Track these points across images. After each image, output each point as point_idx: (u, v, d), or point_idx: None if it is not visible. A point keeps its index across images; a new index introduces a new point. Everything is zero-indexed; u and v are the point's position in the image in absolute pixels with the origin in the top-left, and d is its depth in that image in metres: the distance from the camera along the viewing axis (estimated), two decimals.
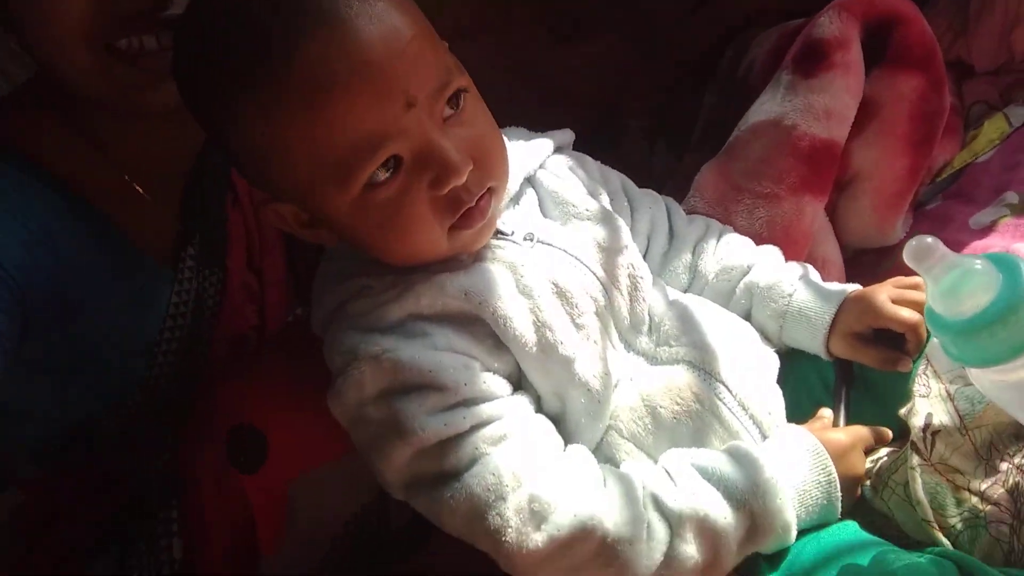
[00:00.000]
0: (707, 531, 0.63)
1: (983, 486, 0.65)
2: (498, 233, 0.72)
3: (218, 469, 0.74)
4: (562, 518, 0.61)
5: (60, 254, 0.71)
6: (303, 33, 0.56)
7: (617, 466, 0.69)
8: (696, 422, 0.71)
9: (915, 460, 0.68)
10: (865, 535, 0.68)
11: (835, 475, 0.68)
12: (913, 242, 0.54)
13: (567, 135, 0.85)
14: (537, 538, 0.61)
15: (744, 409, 0.73)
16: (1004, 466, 0.65)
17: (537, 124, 0.85)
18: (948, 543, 0.66)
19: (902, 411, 0.72)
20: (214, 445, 0.74)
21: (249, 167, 0.65)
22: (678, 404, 0.72)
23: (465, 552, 0.84)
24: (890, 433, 0.76)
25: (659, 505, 0.64)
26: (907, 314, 0.76)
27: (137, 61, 0.67)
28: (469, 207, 0.63)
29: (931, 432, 0.68)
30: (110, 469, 0.87)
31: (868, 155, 1.03)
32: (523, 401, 0.69)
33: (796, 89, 1.00)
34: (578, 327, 0.70)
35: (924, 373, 0.71)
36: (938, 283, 0.55)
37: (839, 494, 0.68)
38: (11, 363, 0.66)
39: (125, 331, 0.79)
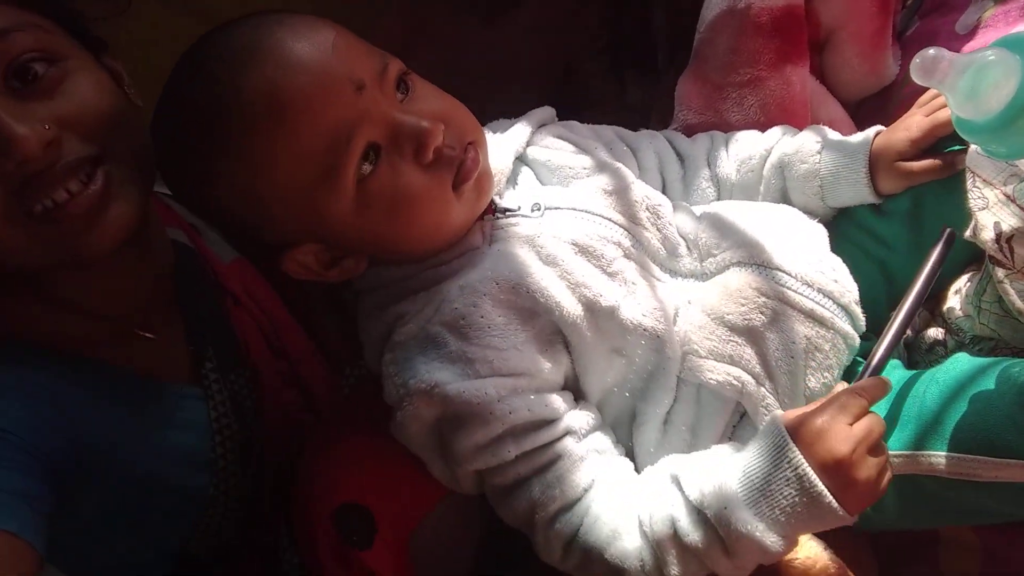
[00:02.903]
0: (684, 550, 0.63)
1: None
2: (506, 212, 0.74)
3: (337, 551, 0.74)
4: (579, 544, 0.67)
5: (68, 412, 0.72)
6: (240, 71, 0.62)
7: (710, 389, 0.70)
8: (769, 315, 0.71)
9: (1000, 273, 0.66)
10: (979, 360, 0.67)
11: (803, 468, 0.59)
12: (917, 59, 0.53)
13: (547, 111, 0.86)
14: (561, 558, 0.68)
15: (809, 286, 0.73)
16: None
17: (500, 116, 0.86)
18: None
19: (967, 234, 0.70)
20: (325, 529, 0.74)
21: (252, 226, 0.68)
22: (743, 304, 0.71)
23: None
24: (888, 383, 0.65)
25: (644, 529, 0.65)
26: (947, 112, 0.75)
27: (56, 217, 0.66)
28: (461, 160, 0.67)
29: (1005, 240, 0.66)
30: None
31: (834, 6, 1.00)
32: (574, 422, 0.69)
33: None
34: (611, 275, 0.71)
35: (974, 187, 0.69)
36: (956, 90, 0.53)
37: (819, 488, 0.59)
38: (60, 523, 0.67)
39: (174, 459, 0.80)
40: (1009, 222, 0.66)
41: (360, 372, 1.00)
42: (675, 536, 0.63)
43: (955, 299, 0.73)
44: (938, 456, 0.62)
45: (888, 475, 0.61)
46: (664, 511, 0.64)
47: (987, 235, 0.67)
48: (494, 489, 0.69)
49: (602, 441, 0.70)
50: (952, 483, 0.62)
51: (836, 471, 0.59)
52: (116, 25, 0.78)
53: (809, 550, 0.71)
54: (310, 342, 0.99)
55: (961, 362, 0.67)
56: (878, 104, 1.05)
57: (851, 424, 0.60)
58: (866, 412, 0.62)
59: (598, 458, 0.69)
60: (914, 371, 0.72)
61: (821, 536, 0.70)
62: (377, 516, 0.73)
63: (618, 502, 0.67)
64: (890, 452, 0.64)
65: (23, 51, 0.65)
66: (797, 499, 0.59)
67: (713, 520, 0.61)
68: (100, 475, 0.74)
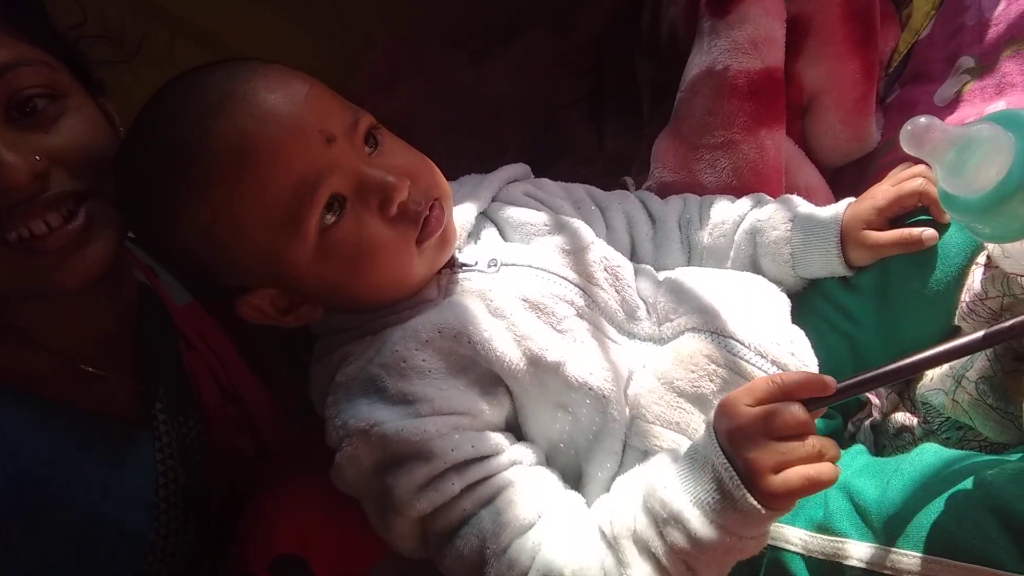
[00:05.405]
0: (643, 547, 0.59)
1: None
2: (463, 266, 0.74)
3: None
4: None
5: (12, 449, 0.71)
6: (211, 116, 0.62)
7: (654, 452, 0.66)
8: (719, 383, 0.69)
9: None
10: (947, 453, 0.63)
11: (710, 440, 0.58)
12: (908, 126, 0.49)
13: (520, 167, 0.86)
14: None
15: (763, 357, 0.71)
16: None
17: (480, 151, 0.84)
18: None
19: (957, 320, 0.66)
20: None
21: (210, 269, 0.67)
22: (693, 371, 0.69)
23: None
24: (825, 384, 0.57)
25: (604, 532, 0.62)
26: (914, 183, 0.76)
27: (32, 247, 0.67)
28: (425, 216, 0.67)
29: None
30: None
31: (817, 71, 1.00)
32: (518, 454, 0.67)
33: (717, 32, 0.97)
34: (561, 332, 0.70)
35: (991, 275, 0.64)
36: (944, 163, 0.49)
37: (716, 460, 0.57)
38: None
39: (117, 500, 0.78)
40: None
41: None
42: (634, 532, 0.60)
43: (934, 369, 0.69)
44: (909, 556, 0.57)
45: (808, 473, 0.54)
46: (628, 508, 0.61)
47: None
48: (439, 537, 0.65)
49: (550, 474, 0.68)
50: None
51: (729, 443, 0.56)
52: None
53: None
54: (264, 389, 0.98)
55: (928, 454, 0.63)
56: (855, 173, 1.04)
57: (751, 405, 0.56)
58: (778, 399, 0.56)
59: (548, 486, 0.67)
60: (879, 458, 0.68)
61: None
62: (315, 568, 0.71)
63: (576, 524, 0.64)
64: (853, 542, 0.61)
65: (28, 85, 0.67)
66: (709, 477, 0.57)
67: (646, 502, 0.59)
68: (40, 514, 0.73)
